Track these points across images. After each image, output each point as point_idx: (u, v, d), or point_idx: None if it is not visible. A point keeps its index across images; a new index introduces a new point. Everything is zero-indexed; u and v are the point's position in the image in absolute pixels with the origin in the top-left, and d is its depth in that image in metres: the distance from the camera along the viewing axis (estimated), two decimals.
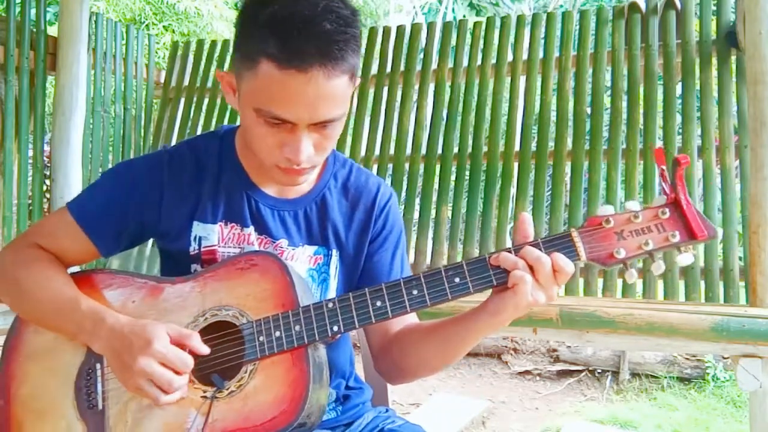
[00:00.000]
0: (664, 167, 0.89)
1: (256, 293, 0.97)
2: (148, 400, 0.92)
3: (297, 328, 0.93)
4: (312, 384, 0.91)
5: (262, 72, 0.90)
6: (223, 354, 0.96)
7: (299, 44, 0.87)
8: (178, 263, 1.08)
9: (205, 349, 0.94)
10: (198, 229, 1.07)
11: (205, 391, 0.94)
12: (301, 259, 1.09)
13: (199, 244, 1.07)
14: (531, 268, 0.88)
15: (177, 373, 0.90)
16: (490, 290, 0.94)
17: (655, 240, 0.88)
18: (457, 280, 0.91)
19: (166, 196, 1.06)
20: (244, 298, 0.98)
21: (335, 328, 0.93)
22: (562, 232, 0.91)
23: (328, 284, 1.11)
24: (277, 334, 0.93)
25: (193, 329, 0.97)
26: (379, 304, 0.93)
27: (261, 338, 0.94)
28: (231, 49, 3.27)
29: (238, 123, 1.13)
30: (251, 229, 1.07)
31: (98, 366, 0.99)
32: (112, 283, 1.05)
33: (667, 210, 0.88)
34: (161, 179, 1.06)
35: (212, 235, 1.07)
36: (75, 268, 1.13)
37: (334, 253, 1.11)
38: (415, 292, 0.92)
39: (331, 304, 0.94)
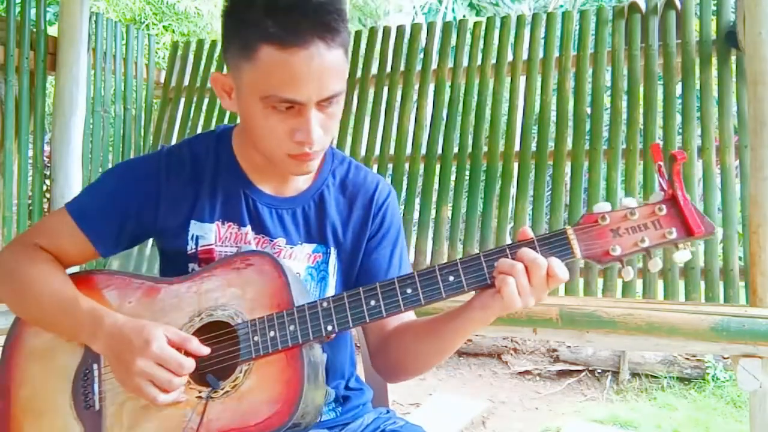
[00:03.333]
0: (661, 163, 0.88)
1: (252, 293, 0.97)
2: (146, 401, 0.92)
3: (291, 327, 0.93)
4: (306, 384, 0.91)
5: (263, 58, 0.90)
6: (218, 354, 0.96)
7: (296, 21, 0.89)
8: (176, 262, 1.08)
9: (205, 350, 0.94)
10: (195, 228, 1.07)
11: (200, 391, 0.94)
12: (299, 257, 1.09)
13: (197, 243, 1.07)
14: (527, 270, 0.88)
15: (173, 374, 0.91)
16: None
17: (651, 237, 0.87)
18: (451, 278, 0.91)
19: (163, 195, 1.06)
20: (239, 297, 0.98)
21: (329, 328, 0.93)
22: (557, 230, 0.90)
23: (327, 282, 1.11)
24: (272, 333, 0.93)
25: (189, 329, 0.97)
26: (373, 303, 0.93)
27: (256, 338, 0.94)
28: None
29: (236, 122, 1.13)
30: (248, 228, 1.07)
31: (95, 366, 0.99)
32: (110, 284, 1.05)
33: (663, 206, 0.87)
34: (158, 178, 1.06)
35: (209, 234, 1.06)
36: (73, 269, 1.13)
37: (333, 251, 1.11)
38: (409, 290, 0.92)
39: (325, 304, 0.94)
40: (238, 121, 1.09)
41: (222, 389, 0.93)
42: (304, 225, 1.10)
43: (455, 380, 4.19)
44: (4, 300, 1.06)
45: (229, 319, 0.97)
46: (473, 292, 0.94)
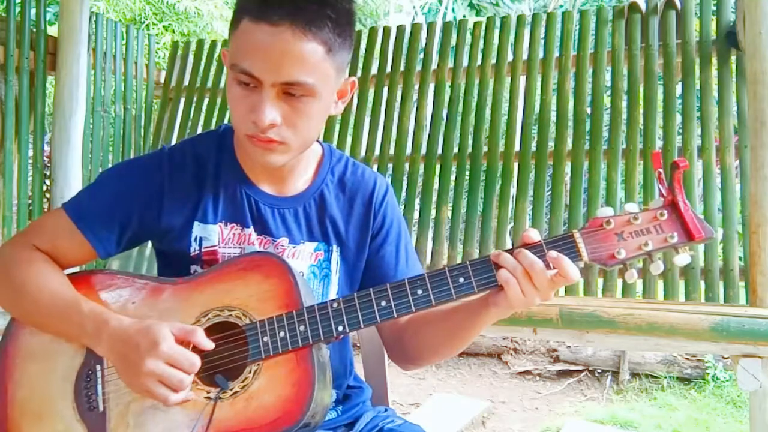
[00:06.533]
0: (661, 170, 0.92)
1: (259, 294, 0.97)
2: (156, 401, 0.92)
3: (301, 328, 0.93)
4: (316, 384, 0.91)
5: (240, 29, 0.94)
6: (226, 355, 0.96)
7: (274, 2, 0.91)
8: (177, 264, 1.07)
9: (209, 344, 0.93)
10: (198, 229, 1.06)
11: (208, 392, 0.94)
12: (302, 256, 1.09)
13: (200, 245, 1.06)
14: (527, 272, 0.89)
15: (185, 372, 0.90)
16: None
17: (654, 241, 0.90)
18: (461, 280, 0.92)
19: (166, 196, 1.05)
20: (246, 299, 0.97)
21: (340, 328, 0.93)
22: (564, 233, 0.92)
23: (330, 280, 1.11)
24: (282, 334, 0.93)
25: None
26: (384, 304, 0.94)
27: (265, 338, 0.94)
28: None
29: None
30: (251, 230, 1.07)
31: (98, 368, 0.98)
32: (112, 284, 1.04)
33: (665, 212, 0.90)
34: (161, 178, 1.06)
35: (212, 235, 1.06)
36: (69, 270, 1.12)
37: (335, 248, 1.11)
38: (419, 291, 0.93)
39: (335, 305, 0.94)
40: None
41: (231, 390, 0.93)
42: (306, 224, 1.10)
43: (455, 380, 4.19)
44: (1, 302, 1.05)
45: (236, 320, 0.97)
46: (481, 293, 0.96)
